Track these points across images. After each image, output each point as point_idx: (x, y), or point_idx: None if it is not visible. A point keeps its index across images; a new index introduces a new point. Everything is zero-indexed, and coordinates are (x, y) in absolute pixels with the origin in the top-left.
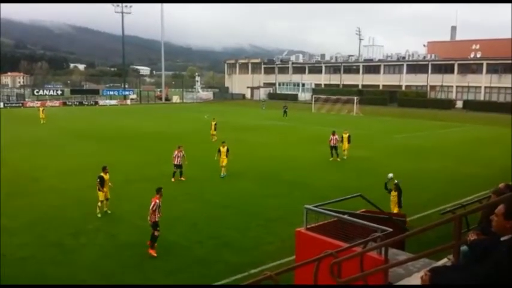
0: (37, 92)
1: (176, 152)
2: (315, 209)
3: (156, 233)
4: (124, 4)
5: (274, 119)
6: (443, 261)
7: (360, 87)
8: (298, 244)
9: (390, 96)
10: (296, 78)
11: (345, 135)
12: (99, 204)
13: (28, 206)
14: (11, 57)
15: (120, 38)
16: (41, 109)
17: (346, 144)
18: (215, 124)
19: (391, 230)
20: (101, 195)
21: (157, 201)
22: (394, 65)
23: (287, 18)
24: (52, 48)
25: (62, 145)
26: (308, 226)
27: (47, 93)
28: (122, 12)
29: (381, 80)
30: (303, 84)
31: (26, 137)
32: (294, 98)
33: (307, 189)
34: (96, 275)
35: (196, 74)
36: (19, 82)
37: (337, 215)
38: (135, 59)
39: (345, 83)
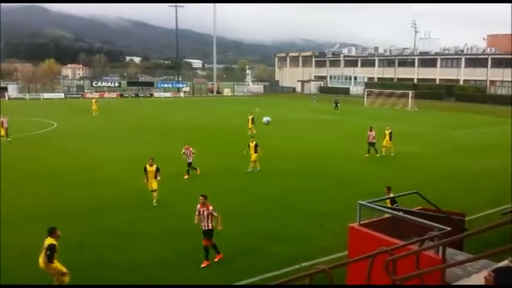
0: (95, 84)
1: (184, 150)
2: (369, 205)
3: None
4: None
5: (325, 112)
6: (504, 263)
7: (415, 81)
8: (351, 240)
9: (447, 91)
10: (348, 71)
11: (387, 132)
12: (153, 193)
13: (86, 195)
14: (70, 50)
15: (174, 32)
16: (93, 101)
17: (388, 141)
18: (252, 118)
19: (449, 229)
20: (154, 185)
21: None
22: (451, 59)
23: (339, 11)
24: (109, 41)
25: (119, 136)
26: (361, 222)
27: (105, 85)
28: (176, 6)
29: (438, 73)
30: (355, 78)
31: (84, 128)
32: (346, 91)
33: (356, 185)
34: (152, 260)
35: (247, 67)
36: (78, 74)
37: (393, 211)
38: (188, 52)
39: (399, 76)
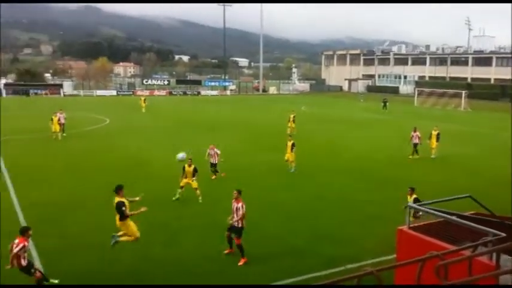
0: (146, 82)
1: (209, 151)
2: (419, 207)
3: None
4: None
5: (373, 111)
6: None
7: (468, 80)
8: (399, 243)
9: (502, 91)
10: (398, 70)
11: (434, 133)
12: (179, 190)
13: (136, 190)
14: (123, 49)
15: (222, 31)
16: (142, 98)
17: (434, 142)
18: (294, 116)
19: (504, 234)
20: (194, 184)
21: None
22: (508, 57)
23: (389, 8)
24: (159, 40)
25: (167, 132)
26: (411, 225)
27: (155, 82)
28: (224, 5)
29: (493, 73)
30: (405, 77)
31: (134, 124)
32: (395, 91)
33: (402, 187)
34: (198, 257)
35: (293, 65)
36: (130, 72)
37: (444, 215)
38: (235, 51)
39: (452, 75)
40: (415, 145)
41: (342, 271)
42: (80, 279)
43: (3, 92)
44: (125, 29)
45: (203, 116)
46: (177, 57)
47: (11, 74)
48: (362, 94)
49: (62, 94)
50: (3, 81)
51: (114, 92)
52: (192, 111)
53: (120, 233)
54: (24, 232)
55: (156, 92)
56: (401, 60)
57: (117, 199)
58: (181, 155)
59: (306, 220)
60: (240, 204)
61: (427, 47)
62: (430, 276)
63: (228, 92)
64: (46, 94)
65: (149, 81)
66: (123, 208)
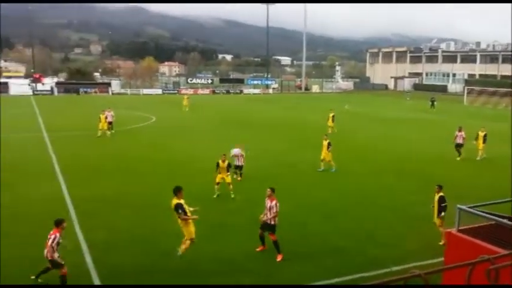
0: (190, 81)
1: (234, 152)
2: (470, 210)
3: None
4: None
5: (420, 110)
6: None
7: None
8: (448, 245)
9: None
10: (446, 68)
11: (481, 134)
12: (216, 187)
13: (183, 185)
14: (168, 49)
15: (265, 30)
16: (185, 97)
17: (480, 144)
18: (333, 116)
19: None
20: (228, 179)
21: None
22: None
23: (437, 4)
24: (204, 40)
25: (211, 130)
26: (460, 228)
27: (199, 81)
28: (267, 4)
29: None
30: (454, 75)
31: (179, 122)
32: (443, 89)
33: (452, 189)
34: (241, 254)
35: (337, 63)
36: (175, 71)
37: (497, 218)
38: (277, 49)
39: (504, 73)
40: (459, 145)
41: (387, 273)
42: (126, 272)
43: (55, 90)
44: (170, 29)
45: (244, 114)
46: (220, 56)
47: (62, 73)
48: (408, 92)
49: (110, 92)
50: (55, 80)
51: (159, 91)
52: (234, 109)
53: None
54: (58, 224)
55: (200, 91)
56: (450, 58)
57: (175, 201)
58: (236, 150)
59: (349, 220)
60: (273, 203)
61: (477, 44)
62: (480, 281)
63: (270, 91)
64: (95, 92)
65: (193, 80)
66: (180, 211)
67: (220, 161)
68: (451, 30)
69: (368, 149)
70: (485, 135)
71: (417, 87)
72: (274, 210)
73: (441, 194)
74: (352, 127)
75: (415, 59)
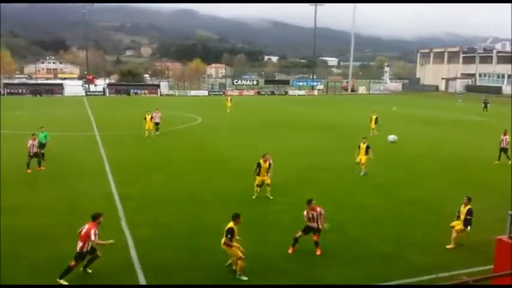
0: (236, 82)
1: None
2: None
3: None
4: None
5: (471, 113)
6: None
7: None
8: (498, 253)
9: None
10: (501, 68)
11: None
12: (256, 188)
13: (225, 186)
14: (215, 51)
15: (312, 31)
16: (228, 98)
17: None
18: (376, 118)
19: None
20: (257, 180)
21: None
22: None
23: (492, 2)
24: (250, 42)
25: (253, 131)
26: (511, 235)
27: (244, 83)
28: (316, 5)
29: None
30: (509, 76)
31: (223, 122)
32: (497, 91)
33: (499, 194)
34: (282, 255)
35: (385, 64)
36: (221, 73)
37: None
38: (324, 50)
39: None
40: (504, 150)
41: (433, 279)
42: (169, 268)
43: (107, 91)
44: (217, 31)
45: (287, 116)
46: (266, 57)
47: (114, 74)
48: (460, 94)
49: (159, 94)
50: (107, 81)
51: (206, 92)
52: (276, 110)
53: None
54: (95, 218)
55: (245, 92)
56: (505, 59)
57: (230, 225)
58: (392, 137)
59: (394, 225)
60: (319, 210)
61: None
62: None
63: (316, 92)
64: (145, 94)
65: (239, 82)
66: (229, 236)
67: (261, 161)
68: (507, 30)
69: (415, 152)
70: None
71: (470, 88)
72: (323, 218)
73: (469, 206)
74: (394, 130)
75: (468, 60)
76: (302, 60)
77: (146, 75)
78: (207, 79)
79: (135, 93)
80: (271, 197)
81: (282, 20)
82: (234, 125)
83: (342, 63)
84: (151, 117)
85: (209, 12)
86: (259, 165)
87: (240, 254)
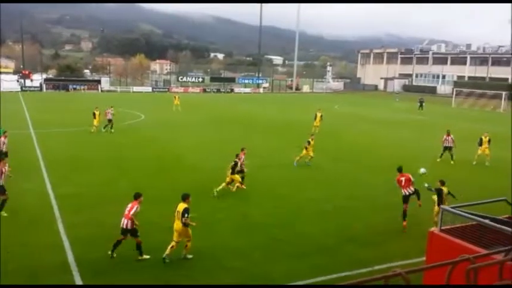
0: (181, 79)
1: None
2: (452, 210)
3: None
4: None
5: (407, 111)
6: None
7: (510, 81)
8: (430, 245)
9: None
10: (436, 69)
11: (485, 139)
12: (224, 185)
13: (172, 181)
14: (159, 46)
15: (258, 29)
16: (176, 96)
17: (486, 149)
18: (321, 115)
19: None
20: (236, 178)
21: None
22: None
23: (428, 5)
24: (195, 38)
25: (198, 128)
26: (443, 228)
27: (190, 80)
28: (262, 3)
29: None
30: (444, 76)
31: (167, 120)
32: (432, 90)
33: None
34: (228, 252)
35: (328, 63)
36: (166, 69)
37: (478, 218)
38: (269, 48)
39: (493, 76)
40: (447, 148)
41: (371, 271)
42: (108, 269)
43: (44, 86)
44: (162, 26)
45: (232, 113)
46: (212, 54)
47: (51, 69)
48: (398, 93)
49: (99, 90)
50: (44, 76)
51: (149, 89)
52: (223, 108)
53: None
54: (138, 197)
55: (191, 89)
56: (440, 60)
57: (184, 205)
58: (423, 170)
59: (337, 219)
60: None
61: (468, 46)
62: (460, 281)
63: (261, 90)
64: (84, 90)
65: (184, 79)
66: (186, 215)
67: (239, 161)
68: (442, 32)
69: (356, 148)
70: (489, 141)
71: (407, 88)
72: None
73: (444, 188)
74: (341, 127)
75: (406, 60)
76: (248, 58)
77: (86, 71)
78: (151, 75)
79: (74, 89)
80: (216, 194)
81: (228, 17)
82: (179, 122)
83: (287, 62)
84: (106, 113)
85: (153, 6)
86: (236, 164)
87: (191, 237)
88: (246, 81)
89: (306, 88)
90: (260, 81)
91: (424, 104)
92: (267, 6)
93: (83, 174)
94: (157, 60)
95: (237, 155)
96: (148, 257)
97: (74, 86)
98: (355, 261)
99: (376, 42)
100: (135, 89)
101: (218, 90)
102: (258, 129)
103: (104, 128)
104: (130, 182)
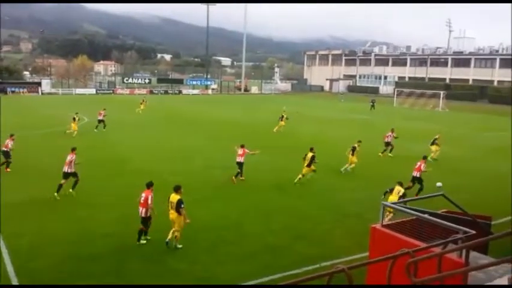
0: (127, 80)
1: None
2: (393, 206)
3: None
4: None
5: (353, 111)
6: None
7: (447, 81)
8: (372, 240)
9: (480, 92)
10: (378, 70)
11: (437, 137)
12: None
13: (116, 186)
14: (103, 47)
15: (205, 30)
16: (144, 99)
17: (436, 147)
18: (286, 117)
19: (473, 232)
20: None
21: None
22: (486, 59)
23: (371, 9)
24: (141, 38)
25: (147, 129)
26: (384, 223)
27: (136, 81)
28: (208, 4)
29: (471, 74)
30: (385, 77)
31: (112, 122)
32: (375, 91)
33: (386, 186)
34: (176, 255)
35: (276, 65)
36: (111, 70)
37: (417, 213)
38: (218, 50)
39: (431, 76)
40: (387, 144)
41: (317, 269)
42: (49, 277)
43: None
44: (106, 27)
45: (181, 115)
46: (159, 55)
47: None
48: (342, 94)
49: (40, 93)
50: None
51: (93, 91)
52: (170, 109)
53: (172, 236)
54: (149, 186)
55: (137, 91)
56: (382, 61)
57: (177, 196)
58: (439, 184)
59: (284, 218)
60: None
61: (408, 47)
62: (401, 274)
63: (210, 91)
64: (24, 93)
65: (130, 80)
66: (183, 206)
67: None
68: (383, 34)
69: (303, 148)
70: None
71: (351, 89)
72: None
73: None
74: (289, 127)
75: (350, 62)
76: (196, 59)
77: (26, 72)
78: (94, 76)
79: (13, 92)
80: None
81: (175, 17)
82: (126, 124)
83: (235, 63)
84: (99, 114)
85: (97, 6)
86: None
87: (182, 225)
88: (194, 82)
89: (254, 89)
90: (209, 83)
91: (375, 104)
92: (213, 7)
93: (23, 182)
94: (102, 61)
95: (311, 149)
96: (144, 242)
97: (12, 89)
98: (303, 259)
99: (321, 44)
100: (78, 91)
101: (166, 92)
102: (204, 130)
103: (96, 128)
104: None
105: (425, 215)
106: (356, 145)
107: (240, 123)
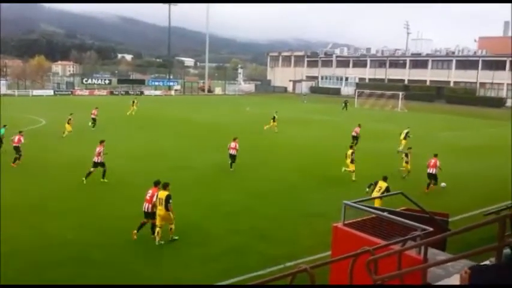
0: (86, 81)
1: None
2: (354, 204)
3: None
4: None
5: (314, 112)
6: (485, 263)
7: (405, 82)
8: (334, 239)
9: (437, 93)
10: (340, 72)
11: (403, 134)
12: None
13: (72, 190)
14: (61, 46)
15: (167, 29)
16: (135, 101)
17: (404, 141)
18: (275, 118)
19: (431, 229)
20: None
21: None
22: (442, 60)
23: (332, 11)
24: (101, 38)
25: (108, 133)
26: (346, 222)
27: (95, 82)
28: (169, 4)
29: (428, 75)
30: (347, 78)
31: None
32: (337, 92)
33: (349, 185)
34: (139, 259)
35: (239, 66)
36: (69, 71)
37: (376, 211)
38: (180, 50)
39: (391, 77)
40: (354, 138)
41: (281, 269)
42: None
43: None
44: (64, 26)
45: (143, 116)
46: (119, 55)
47: None
48: (305, 95)
49: None
50: None
51: (51, 92)
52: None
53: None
54: (157, 184)
55: (97, 92)
56: (343, 63)
57: (166, 193)
58: (443, 184)
59: (248, 219)
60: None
61: (368, 49)
62: (362, 272)
63: (173, 92)
64: None
65: (89, 81)
66: (171, 201)
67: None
68: (344, 36)
69: (266, 149)
70: (407, 133)
71: (313, 90)
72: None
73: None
74: (253, 128)
75: (312, 63)
76: (158, 60)
77: None
78: (52, 77)
79: None
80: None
81: (135, 17)
82: (85, 126)
83: (198, 63)
84: (92, 113)
85: (55, 5)
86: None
87: (172, 219)
88: (157, 83)
89: (218, 90)
90: (171, 83)
91: (348, 104)
92: (175, 7)
93: None
94: (60, 62)
95: (351, 147)
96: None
97: None
98: (268, 259)
99: (284, 45)
100: (35, 92)
101: (127, 93)
102: (168, 132)
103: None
104: (28, 192)
105: (385, 213)
106: (408, 151)
107: (204, 124)
